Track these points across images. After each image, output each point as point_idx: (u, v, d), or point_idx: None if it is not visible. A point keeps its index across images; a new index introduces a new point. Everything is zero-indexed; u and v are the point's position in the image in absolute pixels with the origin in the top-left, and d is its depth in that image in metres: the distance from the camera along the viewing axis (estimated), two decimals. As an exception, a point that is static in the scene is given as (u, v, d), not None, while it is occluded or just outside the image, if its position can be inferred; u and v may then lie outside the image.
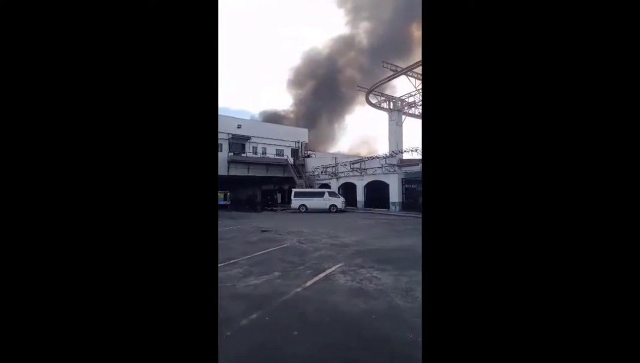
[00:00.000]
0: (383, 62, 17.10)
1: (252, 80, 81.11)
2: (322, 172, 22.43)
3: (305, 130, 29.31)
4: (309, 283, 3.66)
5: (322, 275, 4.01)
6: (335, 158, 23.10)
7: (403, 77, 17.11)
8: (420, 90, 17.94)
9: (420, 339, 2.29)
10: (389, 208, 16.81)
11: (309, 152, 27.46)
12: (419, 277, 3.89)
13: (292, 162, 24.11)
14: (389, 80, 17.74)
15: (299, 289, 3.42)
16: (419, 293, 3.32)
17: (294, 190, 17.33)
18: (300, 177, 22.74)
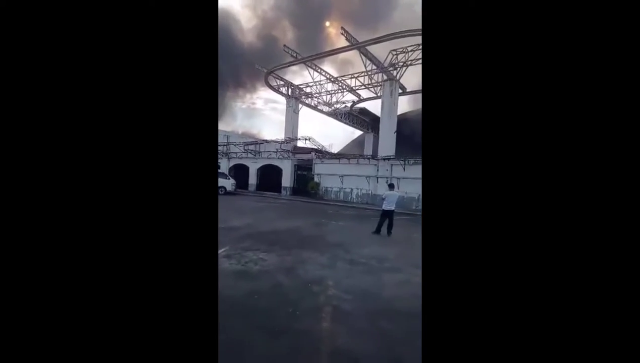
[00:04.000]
0: (284, 45, 16.93)
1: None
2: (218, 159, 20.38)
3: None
4: (185, 270, 3.26)
5: (203, 260, 3.67)
6: (228, 136, 21.49)
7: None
8: (318, 83, 19.00)
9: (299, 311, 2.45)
10: (280, 192, 17.24)
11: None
12: (303, 256, 4.19)
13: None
14: (288, 65, 17.82)
15: (172, 278, 2.99)
16: (302, 270, 3.57)
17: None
18: (184, 154, 19.86)
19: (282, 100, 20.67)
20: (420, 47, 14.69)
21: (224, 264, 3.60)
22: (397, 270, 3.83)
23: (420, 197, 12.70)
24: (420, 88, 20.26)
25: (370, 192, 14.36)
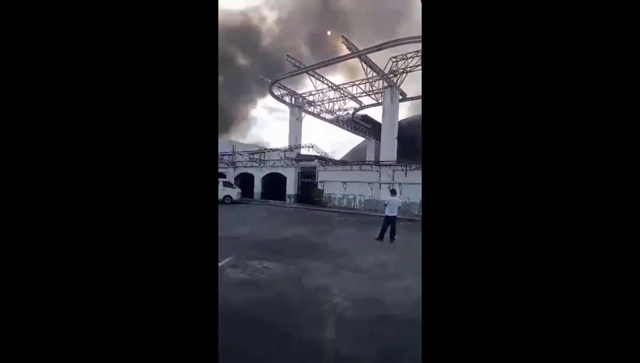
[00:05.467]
0: (287, 55, 17.30)
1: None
2: (218, 160, 20.68)
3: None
4: (194, 280, 3.38)
5: (210, 270, 3.78)
6: (233, 146, 21.82)
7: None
8: (320, 91, 19.28)
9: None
10: (285, 200, 17.36)
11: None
12: (307, 265, 4.27)
13: (181, 146, 21.01)
14: (291, 75, 18.15)
15: (181, 288, 3.11)
16: (307, 279, 3.65)
17: (181, 177, 15.17)
18: (190, 164, 20.16)
19: (287, 108, 20.97)
20: (419, 53, 14.88)
21: (229, 273, 3.71)
22: (399, 277, 3.90)
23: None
24: (420, 94, 20.34)
25: (373, 198, 14.39)
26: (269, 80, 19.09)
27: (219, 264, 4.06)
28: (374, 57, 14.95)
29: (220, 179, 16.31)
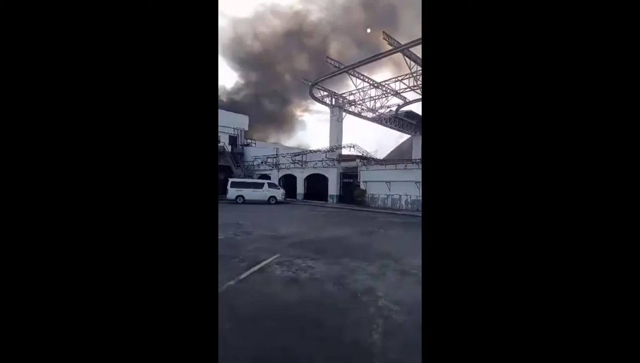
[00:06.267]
0: (327, 57, 17.42)
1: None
2: (262, 163, 21.79)
3: (246, 117, 27.88)
4: (243, 275, 3.56)
5: (257, 267, 3.95)
6: (277, 148, 22.74)
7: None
8: (360, 90, 18.99)
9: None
10: (327, 200, 17.47)
11: (248, 141, 26.29)
12: (351, 265, 4.19)
13: (230, 150, 22.73)
14: (332, 76, 18.20)
15: (232, 282, 3.29)
16: (350, 279, 3.57)
17: (230, 179, 16.41)
18: (238, 167, 21.66)
19: (327, 110, 21.13)
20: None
21: (275, 271, 3.81)
22: (453, 284, 3.56)
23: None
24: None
25: (420, 198, 13.60)
26: (309, 83, 19.44)
27: (267, 261, 4.21)
28: (418, 50, 14.17)
29: (265, 181, 17.14)
